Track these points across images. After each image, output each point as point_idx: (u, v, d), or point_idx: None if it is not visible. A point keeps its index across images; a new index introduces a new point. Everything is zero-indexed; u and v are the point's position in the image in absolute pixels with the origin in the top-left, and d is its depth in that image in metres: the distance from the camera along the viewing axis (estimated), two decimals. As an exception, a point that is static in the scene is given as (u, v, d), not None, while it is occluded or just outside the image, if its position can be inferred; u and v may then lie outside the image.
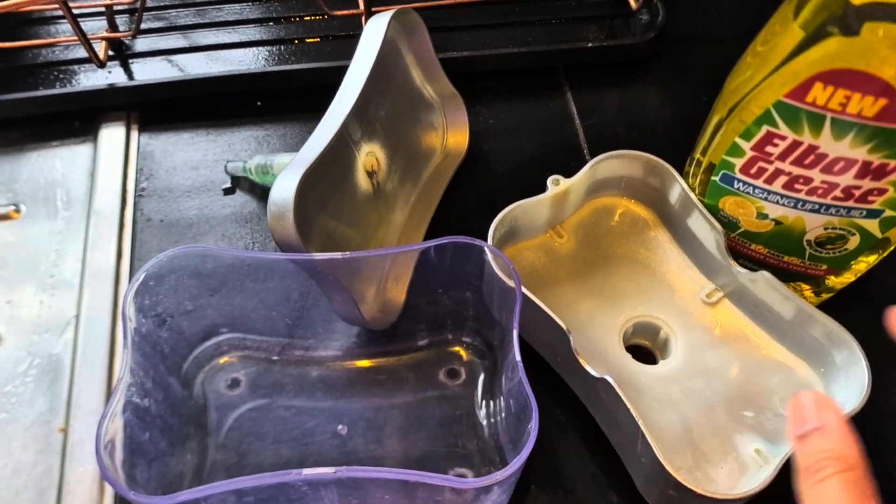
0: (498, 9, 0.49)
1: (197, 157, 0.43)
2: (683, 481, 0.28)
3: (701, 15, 0.50)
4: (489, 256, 0.32)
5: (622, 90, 0.47)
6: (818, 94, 0.27)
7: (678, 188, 0.36)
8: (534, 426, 0.26)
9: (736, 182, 0.32)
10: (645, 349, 0.37)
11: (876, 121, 0.27)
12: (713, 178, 0.33)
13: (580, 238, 0.39)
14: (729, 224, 0.34)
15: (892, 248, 0.33)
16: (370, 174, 0.37)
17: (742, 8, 0.51)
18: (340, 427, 0.33)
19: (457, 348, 0.36)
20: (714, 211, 0.34)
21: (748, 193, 0.32)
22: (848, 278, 0.35)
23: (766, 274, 0.33)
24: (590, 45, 0.46)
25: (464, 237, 0.32)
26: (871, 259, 0.34)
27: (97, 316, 0.38)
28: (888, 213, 0.30)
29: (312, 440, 0.33)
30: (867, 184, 0.29)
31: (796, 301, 0.33)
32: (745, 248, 0.35)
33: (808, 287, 0.36)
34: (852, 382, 0.31)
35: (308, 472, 0.25)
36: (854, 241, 0.32)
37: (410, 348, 0.36)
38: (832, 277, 0.35)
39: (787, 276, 0.35)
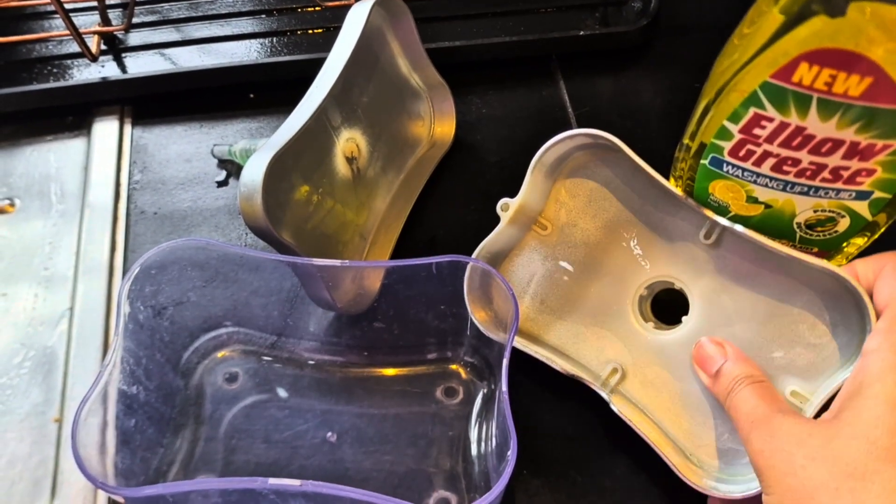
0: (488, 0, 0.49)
1: (190, 149, 0.43)
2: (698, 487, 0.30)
3: (694, 1, 0.50)
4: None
5: (615, 78, 0.47)
6: (804, 74, 0.27)
7: (627, 157, 0.34)
8: (510, 460, 0.26)
9: (725, 165, 0.32)
10: (668, 305, 0.36)
11: (862, 100, 0.26)
12: (702, 161, 0.33)
13: (563, 221, 0.37)
14: (719, 208, 0.34)
15: (882, 230, 0.33)
16: (350, 160, 0.37)
17: (736, -6, 0.51)
18: (330, 434, 0.33)
19: (456, 366, 0.35)
20: (704, 195, 0.34)
21: (737, 176, 0.32)
22: (839, 262, 0.35)
23: (738, 227, 0.32)
24: (582, 33, 0.46)
25: (465, 257, 0.31)
26: (862, 241, 0.33)
27: (91, 308, 0.38)
28: (878, 194, 0.30)
29: (302, 444, 0.33)
30: (855, 164, 0.29)
31: (777, 246, 0.31)
32: None
33: None
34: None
35: (274, 482, 0.25)
36: (844, 224, 0.32)
37: (410, 361, 0.35)
38: (829, 261, 0.35)
39: None
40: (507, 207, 0.36)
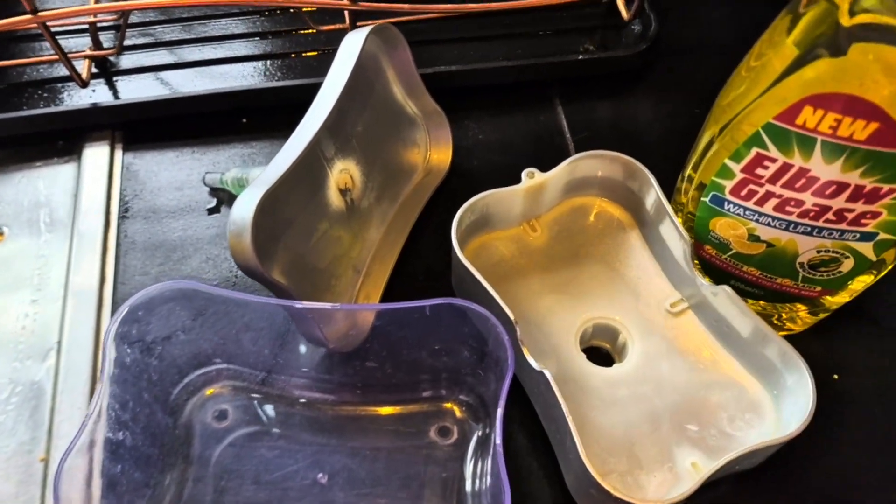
0: (488, 20, 0.48)
1: (181, 176, 0.42)
2: (603, 482, 0.28)
3: (695, 24, 0.50)
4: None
5: (614, 103, 0.46)
6: (808, 117, 0.26)
7: (654, 193, 0.36)
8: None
9: (726, 204, 0.31)
10: (604, 351, 0.37)
11: (868, 144, 0.26)
12: (703, 198, 0.32)
13: (553, 234, 0.39)
14: (720, 245, 0.34)
15: (888, 269, 0.32)
16: (343, 192, 0.36)
17: (737, 16, 0.50)
18: (321, 475, 0.33)
19: (451, 405, 0.34)
20: (705, 231, 0.33)
21: (739, 215, 0.31)
22: (844, 298, 0.34)
23: (727, 288, 0.33)
24: (580, 57, 0.45)
25: (461, 300, 0.31)
26: (868, 279, 0.33)
27: (79, 343, 0.37)
28: (882, 235, 0.29)
29: (292, 485, 0.32)
30: (860, 207, 0.28)
31: (754, 319, 0.32)
32: (737, 270, 0.34)
33: (804, 307, 0.35)
34: (799, 407, 0.31)
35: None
36: (848, 264, 0.31)
37: (403, 400, 0.34)
38: (828, 297, 0.34)
39: (781, 297, 0.34)
40: (532, 175, 0.37)
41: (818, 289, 0.33)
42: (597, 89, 0.46)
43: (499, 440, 0.26)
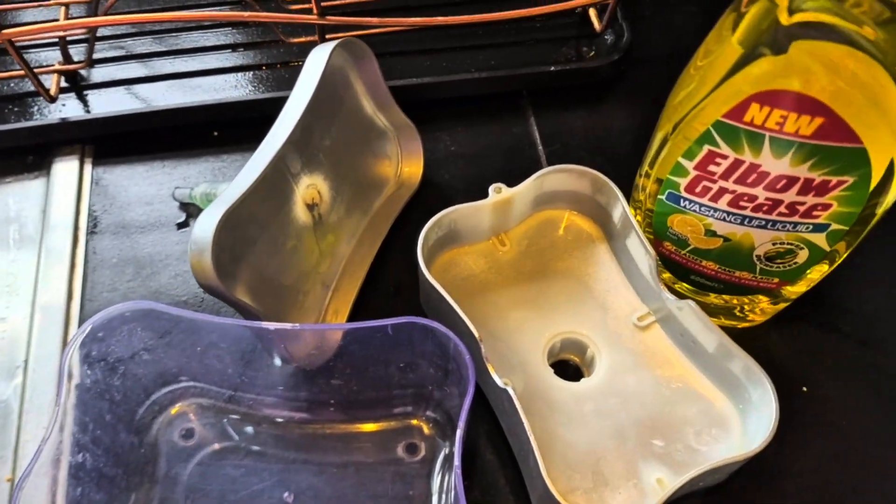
0: (460, 31, 0.48)
1: (151, 191, 0.42)
2: (565, 502, 0.28)
3: (667, 32, 0.50)
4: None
5: (587, 113, 0.46)
6: (755, 114, 0.26)
7: (620, 208, 0.36)
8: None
9: (682, 201, 0.31)
10: (573, 364, 0.37)
11: (814, 139, 0.26)
12: (660, 196, 0.32)
13: (523, 248, 0.39)
14: (679, 241, 0.34)
15: (844, 257, 0.32)
16: (310, 207, 0.36)
17: (709, 24, 0.50)
18: (287, 494, 0.32)
19: (418, 422, 0.34)
20: (663, 228, 0.34)
21: (695, 211, 0.31)
22: (802, 287, 0.35)
23: (691, 303, 0.33)
24: (553, 68, 0.45)
25: (423, 320, 0.30)
26: (824, 268, 0.33)
27: (46, 361, 0.37)
28: (834, 226, 0.29)
29: (258, 505, 0.32)
30: (811, 199, 0.28)
31: (718, 334, 0.32)
32: (696, 265, 0.34)
33: (764, 298, 0.35)
34: (764, 422, 0.31)
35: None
36: (803, 255, 0.31)
37: (370, 417, 0.34)
38: (787, 288, 0.34)
39: (741, 290, 0.35)
40: (499, 190, 0.37)
41: (776, 280, 0.33)
42: (570, 99, 0.46)
43: (457, 461, 0.26)
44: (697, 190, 0.30)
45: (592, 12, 0.47)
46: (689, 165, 0.30)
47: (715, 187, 0.30)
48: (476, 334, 0.31)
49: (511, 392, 0.30)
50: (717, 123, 0.27)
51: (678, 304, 0.33)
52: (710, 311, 0.36)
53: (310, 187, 0.36)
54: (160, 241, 0.41)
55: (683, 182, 0.31)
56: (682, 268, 0.35)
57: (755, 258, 0.32)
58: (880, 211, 0.29)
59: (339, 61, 0.38)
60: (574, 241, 0.39)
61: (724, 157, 0.28)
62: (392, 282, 0.39)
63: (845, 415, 0.36)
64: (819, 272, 0.33)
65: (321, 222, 0.37)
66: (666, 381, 0.34)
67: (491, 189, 0.37)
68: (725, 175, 0.29)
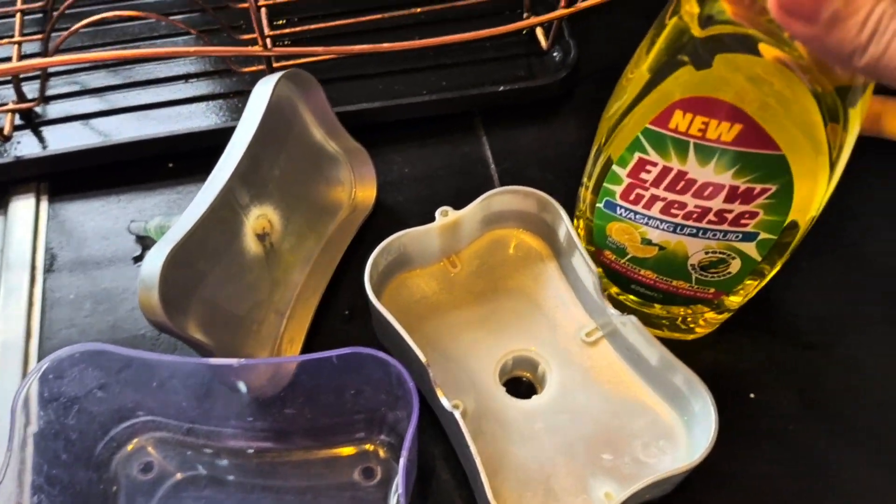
0: (412, 53, 0.48)
1: (107, 225, 0.43)
2: None
3: (615, 46, 0.50)
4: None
5: (537, 130, 0.47)
6: (679, 120, 0.27)
7: (564, 227, 0.36)
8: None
9: (618, 208, 0.32)
10: (526, 382, 0.37)
11: (735, 146, 0.27)
12: (598, 204, 0.33)
13: (474, 268, 0.39)
14: (618, 250, 0.34)
15: (778, 268, 0.33)
16: (261, 237, 0.37)
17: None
18: (247, 526, 0.33)
19: (373, 446, 0.34)
20: (603, 237, 0.34)
21: (630, 219, 0.32)
22: (741, 297, 0.35)
23: (633, 318, 0.34)
24: (501, 88, 0.46)
25: (366, 349, 0.31)
26: (755, 283, 0.34)
27: (6, 400, 0.37)
28: (763, 235, 0.30)
29: (219, 536, 0.33)
30: (738, 207, 0.29)
31: (660, 349, 0.33)
32: (636, 274, 0.35)
33: (706, 308, 0.36)
34: (706, 433, 0.31)
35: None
36: (736, 265, 0.32)
37: (326, 444, 0.35)
38: (728, 299, 0.35)
39: (681, 300, 0.35)
40: (446, 214, 0.37)
41: (712, 290, 0.34)
42: (521, 116, 0.47)
43: (401, 489, 0.27)
44: (631, 197, 0.31)
45: (539, 31, 0.48)
46: (622, 173, 0.30)
47: (647, 195, 0.30)
48: (424, 360, 0.32)
49: (457, 415, 0.31)
50: (646, 131, 0.28)
51: (622, 320, 0.34)
52: (656, 323, 0.37)
53: (260, 217, 0.37)
54: (118, 276, 0.41)
55: (618, 190, 0.31)
56: (623, 278, 0.36)
57: (690, 267, 0.33)
58: (806, 221, 0.29)
59: (285, 92, 0.38)
60: (524, 259, 0.39)
61: (654, 164, 0.29)
62: (346, 306, 0.40)
63: (792, 420, 0.36)
64: (756, 282, 0.34)
65: (273, 251, 0.38)
66: (614, 396, 0.35)
67: (438, 213, 0.37)
68: (656, 182, 0.30)
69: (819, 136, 0.26)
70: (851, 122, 0.26)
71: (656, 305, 0.36)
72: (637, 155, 0.29)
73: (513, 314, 0.38)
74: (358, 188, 0.43)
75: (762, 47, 0.24)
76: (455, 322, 0.37)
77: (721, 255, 0.32)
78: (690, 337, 0.38)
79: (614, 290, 0.37)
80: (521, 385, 0.37)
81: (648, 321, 0.36)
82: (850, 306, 0.40)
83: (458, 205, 0.38)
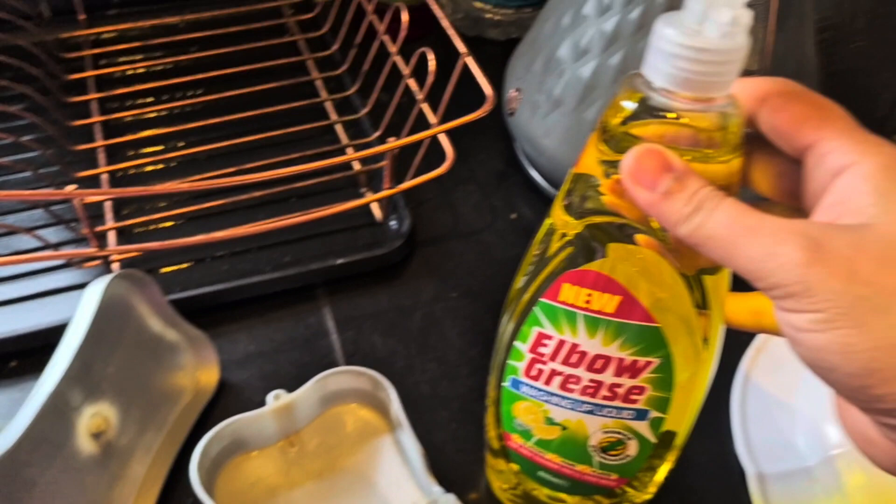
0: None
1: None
2: None
3: (449, 211, 0.55)
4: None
5: (379, 297, 0.48)
6: (567, 293, 0.28)
7: (396, 403, 0.37)
8: None
9: (522, 386, 0.32)
10: None
11: (616, 316, 0.28)
12: (503, 384, 0.33)
13: (312, 448, 0.39)
14: (524, 433, 0.34)
15: (676, 455, 0.33)
16: (96, 436, 0.37)
17: (486, 201, 0.56)
18: None
19: None
20: (510, 419, 0.34)
21: (533, 397, 0.32)
22: (646, 494, 0.36)
23: (451, 497, 0.34)
24: (339, 261, 0.48)
25: None
26: (664, 468, 0.34)
27: None
28: (654, 413, 0.31)
29: None
30: (627, 381, 0.30)
31: None
32: (542, 459, 0.35)
33: (608, 500, 0.36)
34: None
35: None
36: (633, 446, 0.32)
37: None
38: (630, 490, 0.35)
39: (585, 488, 0.35)
40: (278, 397, 0.38)
41: (614, 476, 0.34)
42: (363, 284, 0.48)
43: None
44: (533, 373, 0.31)
45: (374, 205, 0.52)
46: (524, 349, 0.31)
47: (547, 370, 0.31)
48: None
49: None
50: (541, 304, 0.29)
51: (445, 499, 0.34)
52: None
53: (94, 416, 0.37)
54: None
55: (521, 366, 0.32)
56: (530, 463, 0.35)
57: (591, 449, 0.33)
58: (688, 416, 0.31)
59: (118, 290, 0.39)
60: (361, 435, 0.39)
61: (550, 337, 0.30)
62: (189, 493, 0.40)
63: None
64: (652, 472, 0.34)
65: (111, 448, 0.38)
66: None
67: (270, 396, 0.38)
68: (553, 356, 0.30)
69: (686, 306, 0.27)
70: (713, 300, 0.28)
71: (562, 494, 0.36)
72: (536, 329, 0.30)
73: (347, 493, 0.37)
74: (200, 372, 0.44)
75: (637, 236, 0.26)
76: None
77: (618, 436, 0.32)
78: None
79: (531, 485, 0.37)
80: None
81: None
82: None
83: (303, 378, 0.40)
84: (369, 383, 0.39)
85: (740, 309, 0.29)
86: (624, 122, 0.24)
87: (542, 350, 0.31)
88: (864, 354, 0.19)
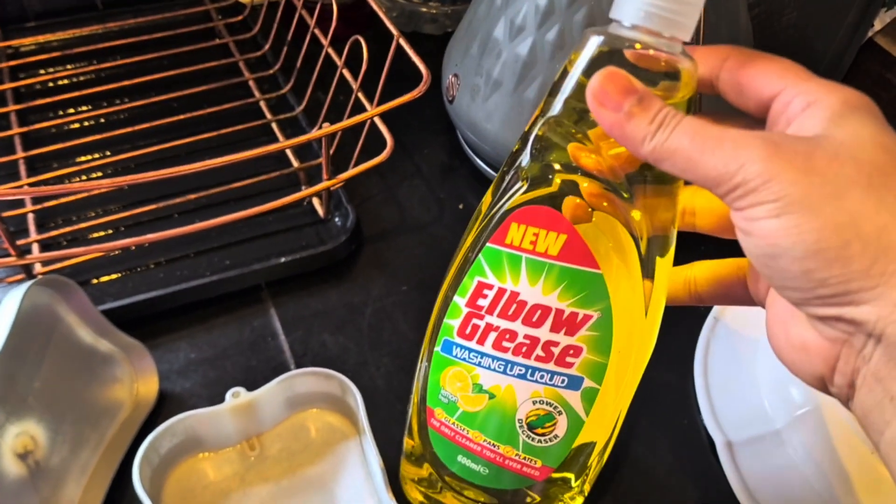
0: (193, 237, 0.48)
1: None
2: None
3: (395, 207, 0.53)
4: None
5: (326, 296, 0.46)
6: (514, 234, 0.28)
7: (361, 410, 0.36)
8: None
9: (455, 348, 0.31)
10: None
11: (560, 259, 0.28)
12: (436, 349, 0.32)
13: (274, 452, 0.37)
14: (449, 406, 0.33)
15: (607, 449, 0.32)
16: (23, 456, 0.34)
17: (431, 194, 0.54)
18: None
19: None
20: (436, 391, 0.33)
21: (464, 360, 0.31)
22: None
23: None
24: (283, 259, 0.46)
25: None
26: (590, 464, 0.33)
27: None
28: (588, 382, 0.30)
29: None
30: (564, 339, 0.29)
31: None
32: (465, 438, 0.33)
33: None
34: None
35: None
36: (562, 423, 0.31)
37: None
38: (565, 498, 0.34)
39: (506, 478, 0.33)
40: (238, 395, 0.36)
41: (539, 463, 0.32)
42: (309, 283, 0.46)
43: None
44: (467, 331, 0.31)
45: (316, 201, 0.50)
46: (461, 303, 0.30)
47: (482, 325, 0.30)
48: None
49: None
50: (486, 250, 0.29)
51: None
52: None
53: (20, 436, 0.34)
54: None
55: (456, 324, 0.31)
56: (451, 447, 0.34)
57: (518, 425, 0.32)
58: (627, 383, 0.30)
59: (41, 299, 0.37)
60: (326, 442, 0.38)
61: (490, 286, 0.29)
62: (132, 510, 0.37)
63: None
64: (585, 470, 0.33)
65: (40, 469, 0.35)
66: None
67: (229, 394, 0.36)
68: (491, 308, 0.30)
69: (633, 263, 0.28)
70: (658, 273, 0.28)
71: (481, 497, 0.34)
72: (476, 279, 0.30)
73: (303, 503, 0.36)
74: (139, 383, 0.41)
75: (571, 152, 0.27)
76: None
77: (548, 408, 0.31)
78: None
79: (428, 473, 0.35)
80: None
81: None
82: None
83: (252, 381, 0.38)
84: (338, 387, 0.37)
85: (673, 280, 0.31)
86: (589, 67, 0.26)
87: (479, 302, 0.30)
88: (811, 235, 0.20)
